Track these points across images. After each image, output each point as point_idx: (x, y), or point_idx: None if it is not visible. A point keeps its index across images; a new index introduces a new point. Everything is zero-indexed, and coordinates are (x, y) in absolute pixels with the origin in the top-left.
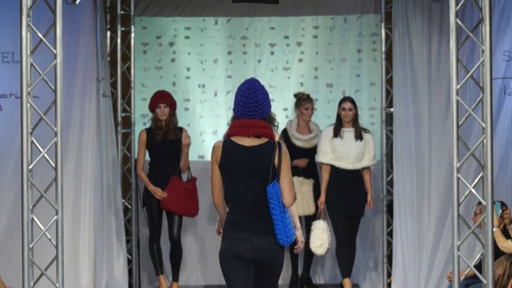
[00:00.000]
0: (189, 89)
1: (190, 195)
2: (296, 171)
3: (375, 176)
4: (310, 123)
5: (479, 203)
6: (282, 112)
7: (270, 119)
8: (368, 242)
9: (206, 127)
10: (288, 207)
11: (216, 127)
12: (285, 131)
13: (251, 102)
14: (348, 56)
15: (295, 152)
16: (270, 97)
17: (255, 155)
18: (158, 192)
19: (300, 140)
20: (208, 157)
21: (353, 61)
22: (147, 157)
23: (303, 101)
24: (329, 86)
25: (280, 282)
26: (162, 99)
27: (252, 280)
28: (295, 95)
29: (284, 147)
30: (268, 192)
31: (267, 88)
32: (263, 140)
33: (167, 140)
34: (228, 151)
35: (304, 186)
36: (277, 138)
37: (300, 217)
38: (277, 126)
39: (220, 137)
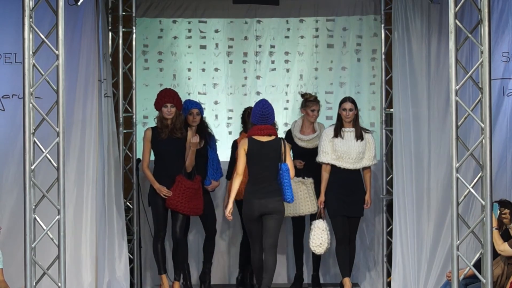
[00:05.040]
0: (190, 89)
1: (195, 194)
2: (296, 172)
3: (375, 176)
4: (315, 123)
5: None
6: (283, 111)
7: (274, 124)
8: (368, 242)
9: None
10: (292, 178)
11: (217, 123)
12: (289, 132)
13: (265, 114)
14: (348, 57)
15: (298, 152)
16: (271, 97)
17: (270, 147)
18: (163, 191)
19: (303, 141)
20: None
21: (353, 61)
22: (152, 157)
23: (310, 102)
24: (329, 86)
25: (284, 281)
26: (169, 99)
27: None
28: (302, 95)
29: (285, 141)
30: (282, 168)
31: (267, 88)
32: (273, 137)
33: (172, 139)
34: (252, 145)
35: (303, 186)
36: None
37: (303, 216)
38: (277, 128)
39: (219, 135)
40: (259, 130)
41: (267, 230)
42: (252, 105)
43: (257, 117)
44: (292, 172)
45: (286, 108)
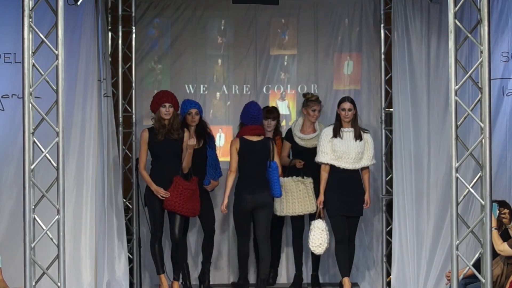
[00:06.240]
0: (190, 89)
1: (193, 195)
2: (295, 171)
3: (375, 175)
4: (315, 123)
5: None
6: (282, 111)
7: (262, 124)
8: (367, 242)
9: (207, 120)
10: (280, 175)
11: (216, 122)
12: (289, 131)
13: (255, 115)
14: (347, 57)
15: (298, 151)
16: (271, 96)
17: (259, 146)
18: (161, 192)
19: (302, 140)
20: None
21: (353, 61)
22: (149, 157)
23: (311, 102)
24: (328, 87)
25: (283, 281)
26: (168, 99)
27: (251, 224)
28: (304, 95)
29: (273, 141)
30: (271, 166)
31: (267, 87)
32: (262, 137)
33: (169, 140)
34: (243, 144)
35: (302, 185)
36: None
37: (302, 216)
38: (282, 126)
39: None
40: (251, 130)
41: (259, 222)
42: None
43: (249, 118)
44: (279, 169)
45: (286, 108)
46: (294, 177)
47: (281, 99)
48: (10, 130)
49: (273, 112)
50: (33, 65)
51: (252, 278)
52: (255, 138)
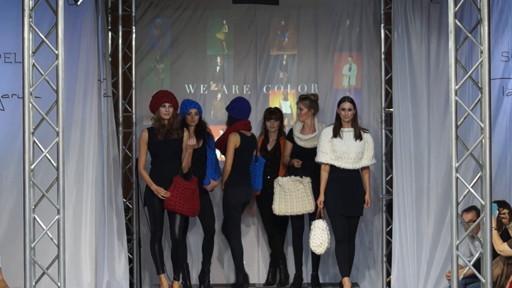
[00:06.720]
0: (190, 89)
1: (193, 195)
2: (294, 171)
3: (375, 175)
4: (315, 123)
5: (466, 210)
6: (285, 110)
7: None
8: (367, 242)
9: (207, 120)
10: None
11: (215, 122)
12: (290, 131)
13: (245, 109)
14: (347, 57)
15: (298, 151)
16: (271, 96)
17: (250, 141)
18: (161, 192)
19: (301, 140)
20: None
21: (353, 61)
22: (149, 157)
23: (297, 101)
24: (328, 86)
25: None
26: (168, 99)
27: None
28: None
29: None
30: (258, 160)
31: (267, 87)
32: (251, 133)
33: (169, 140)
34: (242, 139)
35: (301, 185)
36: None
37: (302, 216)
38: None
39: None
40: (244, 125)
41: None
42: (253, 105)
43: (241, 112)
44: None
45: (289, 108)
46: (292, 176)
47: (284, 99)
48: (10, 130)
49: (276, 113)
50: (33, 65)
51: (253, 279)
52: (248, 133)
